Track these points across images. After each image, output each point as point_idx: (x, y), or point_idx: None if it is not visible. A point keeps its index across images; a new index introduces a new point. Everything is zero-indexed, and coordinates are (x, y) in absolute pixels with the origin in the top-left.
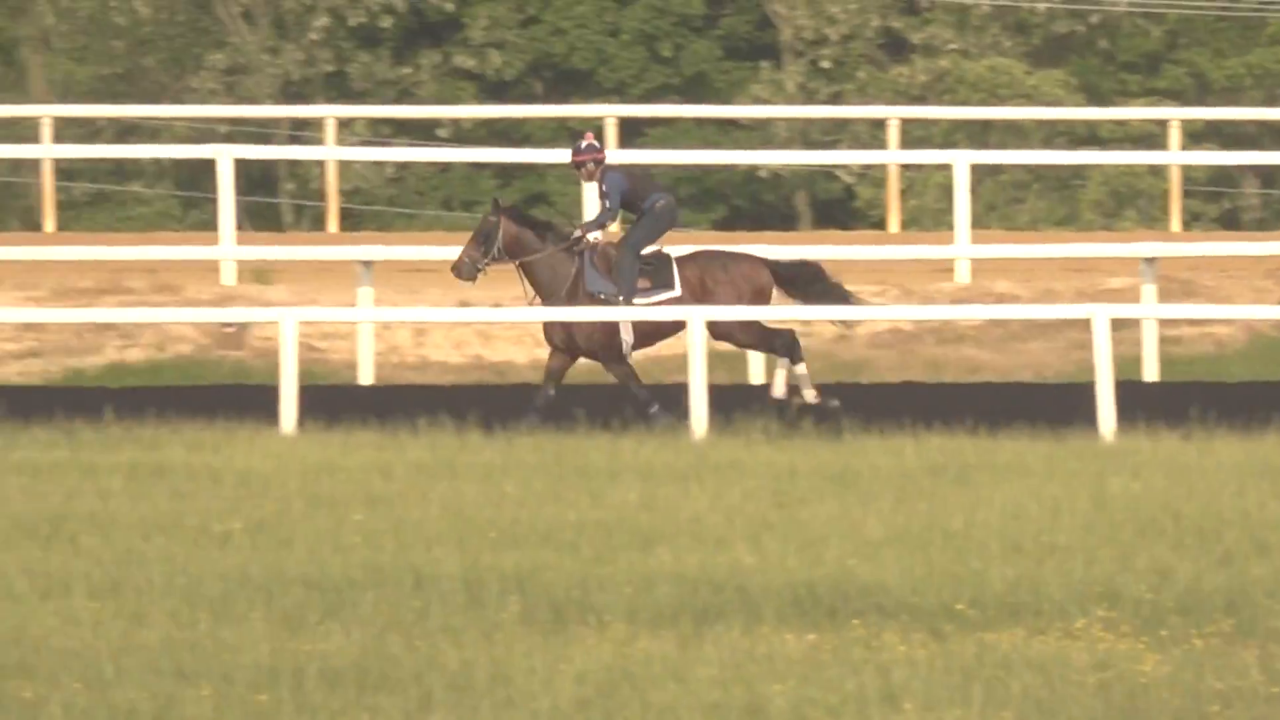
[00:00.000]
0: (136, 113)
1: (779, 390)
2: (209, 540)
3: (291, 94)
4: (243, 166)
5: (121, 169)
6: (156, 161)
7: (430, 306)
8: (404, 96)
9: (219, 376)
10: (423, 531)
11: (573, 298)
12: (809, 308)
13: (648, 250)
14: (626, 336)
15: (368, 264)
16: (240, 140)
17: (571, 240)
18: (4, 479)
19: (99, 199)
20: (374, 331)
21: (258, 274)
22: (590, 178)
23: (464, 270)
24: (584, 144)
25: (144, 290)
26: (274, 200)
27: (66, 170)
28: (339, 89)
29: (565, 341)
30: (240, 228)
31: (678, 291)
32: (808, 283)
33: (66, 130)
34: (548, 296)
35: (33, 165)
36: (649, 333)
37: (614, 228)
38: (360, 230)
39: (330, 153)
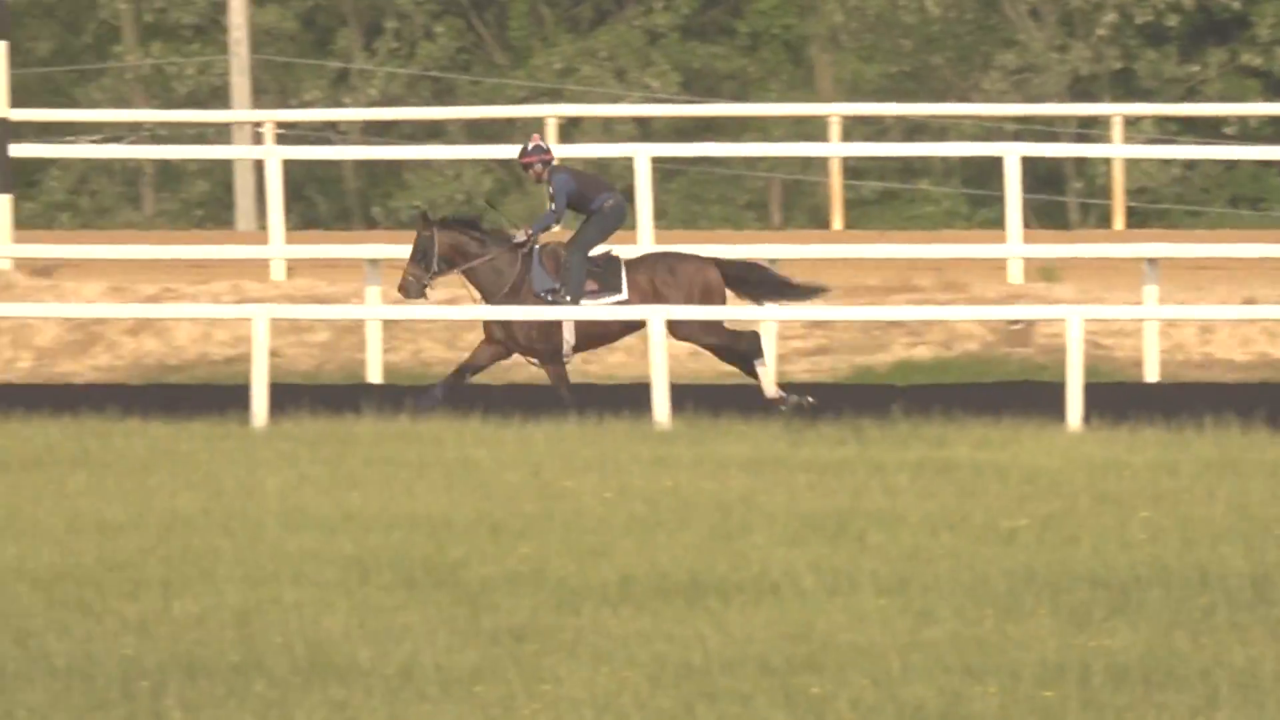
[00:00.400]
0: (924, 111)
1: (771, 391)
2: (995, 537)
3: (1078, 92)
4: (1030, 164)
5: (909, 167)
6: (944, 160)
7: (1215, 304)
8: (1191, 94)
9: (1005, 374)
10: (1208, 529)
11: (515, 297)
12: (763, 308)
13: (597, 251)
14: (569, 337)
15: (1153, 261)
16: (1028, 138)
17: (515, 243)
18: (793, 476)
19: (886, 197)
20: (1159, 329)
21: (1044, 272)
22: (539, 179)
23: (410, 289)
24: (531, 145)
25: (931, 288)
26: (1061, 198)
27: (854, 169)
28: (1125, 86)
29: (506, 337)
30: (1027, 225)
31: (624, 295)
32: (757, 282)
33: (855, 129)
34: (490, 298)
35: (821, 164)
36: (594, 335)
37: (557, 228)
38: (1146, 228)
39: (1117, 150)
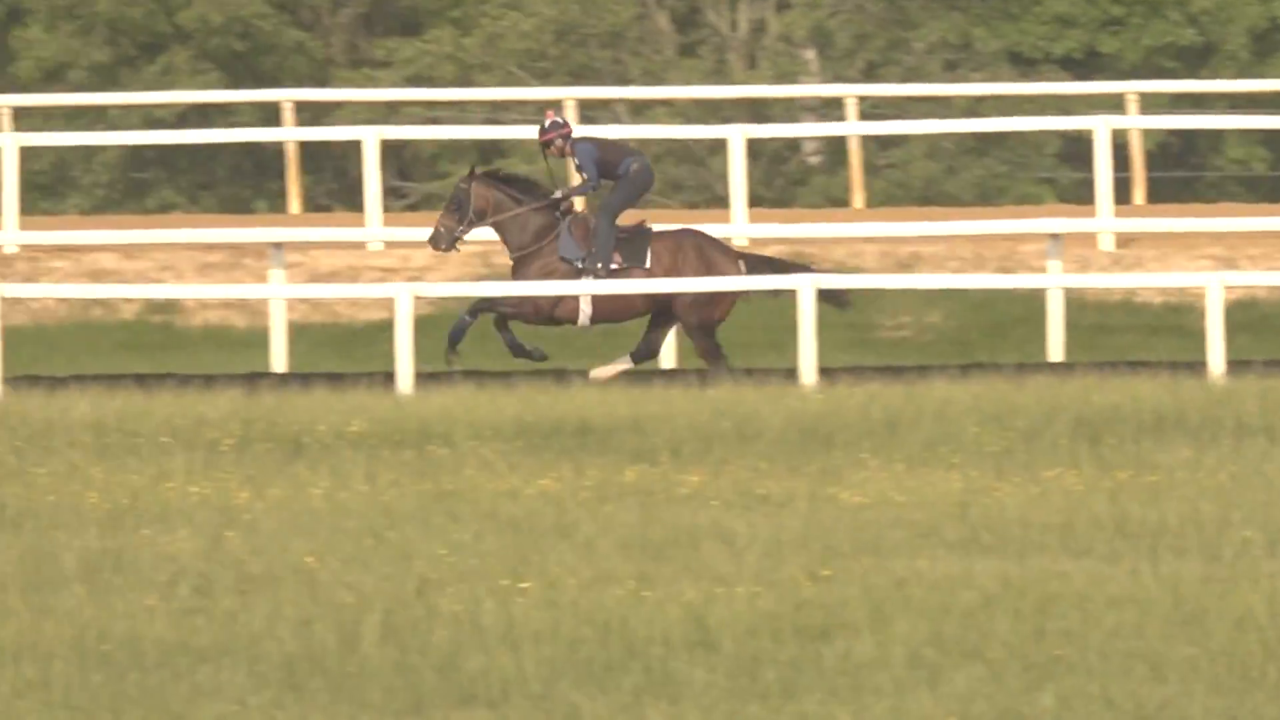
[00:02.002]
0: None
1: (604, 373)
2: None
3: None
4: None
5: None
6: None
7: None
8: None
9: None
10: None
11: (538, 258)
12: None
13: (629, 223)
14: (585, 307)
15: None
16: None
17: (550, 200)
18: None
19: None
20: None
21: None
22: (561, 153)
23: (440, 240)
24: (548, 122)
25: None
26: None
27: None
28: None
29: (521, 312)
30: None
31: (647, 265)
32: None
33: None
34: (516, 252)
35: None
36: (614, 308)
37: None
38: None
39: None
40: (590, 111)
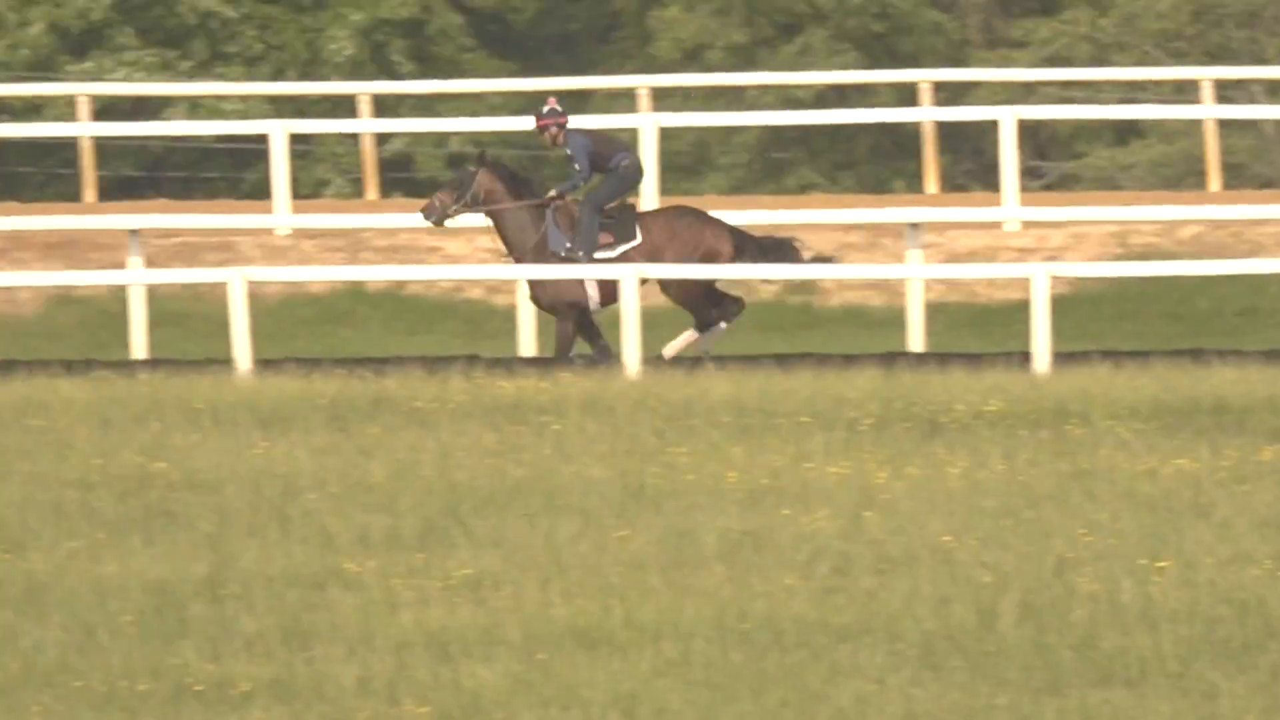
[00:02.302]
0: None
1: (673, 349)
2: None
3: None
4: None
5: None
6: None
7: None
8: None
9: None
10: None
11: (539, 255)
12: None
13: (610, 206)
14: (592, 293)
15: None
16: None
17: (541, 200)
18: None
19: None
20: None
21: None
22: (555, 142)
23: (433, 212)
24: (546, 109)
25: None
26: None
27: None
28: None
29: (534, 299)
30: None
31: (639, 241)
32: (778, 256)
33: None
34: (514, 252)
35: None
36: (616, 290)
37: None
38: None
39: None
40: (1227, 91)
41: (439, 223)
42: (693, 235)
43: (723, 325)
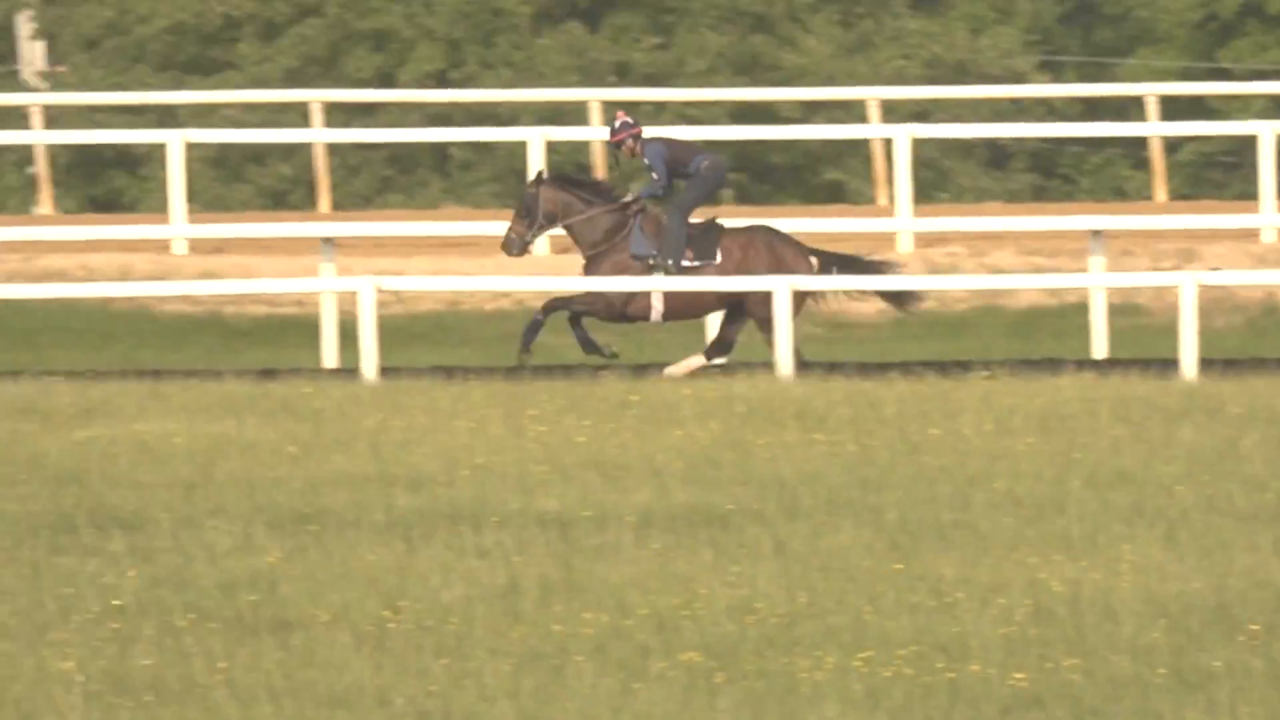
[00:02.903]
0: None
1: (678, 370)
2: None
3: None
4: None
5: None
6: None
7: None
8: None
9: None
10: None
11: (610, 256)
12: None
13: (699, 219)
14: (657, 305)
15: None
16: None
17: (621, 203)
18: None
19: None
20: None
21: None
22: (632, 154)
23: (512, 246)
24: (618, 123)
25: None
26: None
27: None
28: None
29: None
30: None
31: (719, 261)
32: (853, 271)
33: None
34: (589, 250)
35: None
36: (687, 303)
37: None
38: None
39: None
40: None
41: (521, 253)
42: (772, 257)
43: (717, 361)
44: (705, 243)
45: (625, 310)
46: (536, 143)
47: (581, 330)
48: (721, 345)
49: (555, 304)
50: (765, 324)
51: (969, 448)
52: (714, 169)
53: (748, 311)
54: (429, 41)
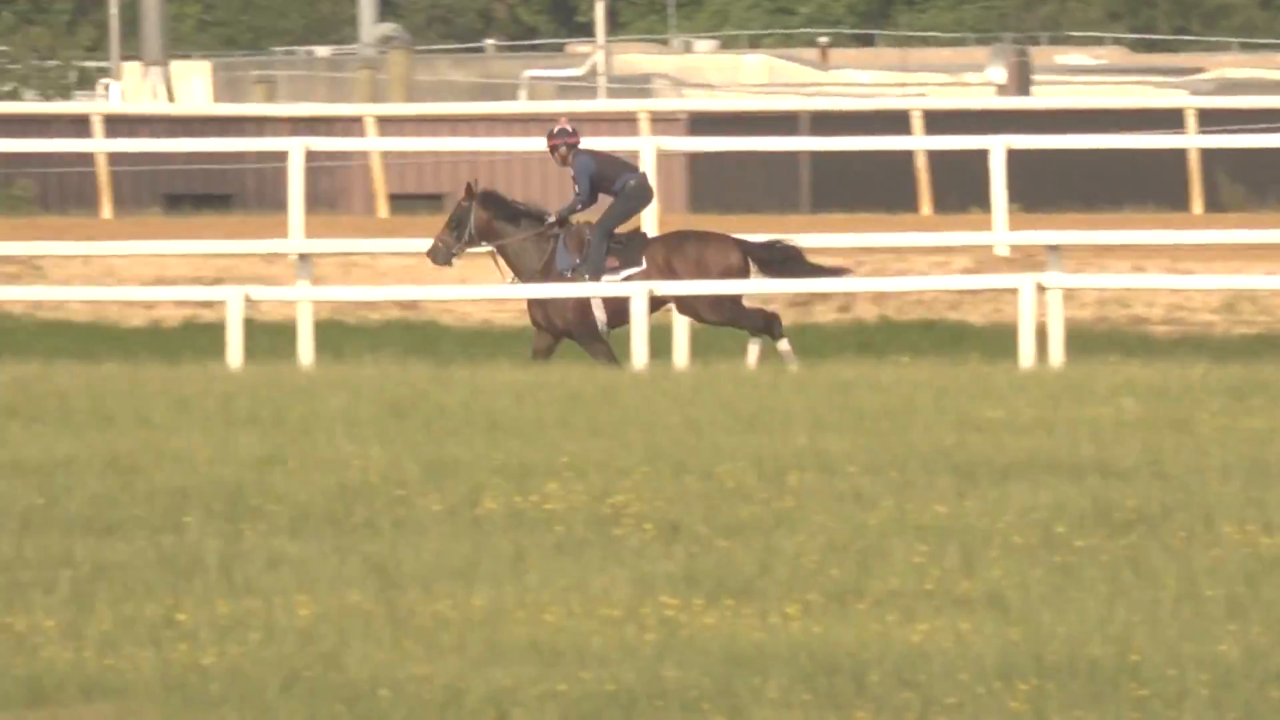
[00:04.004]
0: None
1: (751, 362)
2: None
3: None
4: None
5: None
6: None
7: None
8: None
9: None
10: None
11: (544, 277)
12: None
13: (623, 229)
14: (599, 314)
15: None
16: None
17: (546, 225)
18: None
19: None
20: None
21: None
22: (564, 162)
23: (438, 255)
24: (556, 129)
25: None
26: None
27: None
28: None
29: (545, 321)
30: None
31: (643, 268)
32: (784, 263)
33: None
34: (521, 276)
35: None
36: (623, 311)
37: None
38: None
39: None
40: None
41: (446, 263)
42: (698, 254)
43: (784, 343)
44: (630, 251)
45: (572, 326)
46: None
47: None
48: (758, 323)
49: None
50: (737, 321)
51: None
52: (639, 188)
53: (688, 312)
54: None
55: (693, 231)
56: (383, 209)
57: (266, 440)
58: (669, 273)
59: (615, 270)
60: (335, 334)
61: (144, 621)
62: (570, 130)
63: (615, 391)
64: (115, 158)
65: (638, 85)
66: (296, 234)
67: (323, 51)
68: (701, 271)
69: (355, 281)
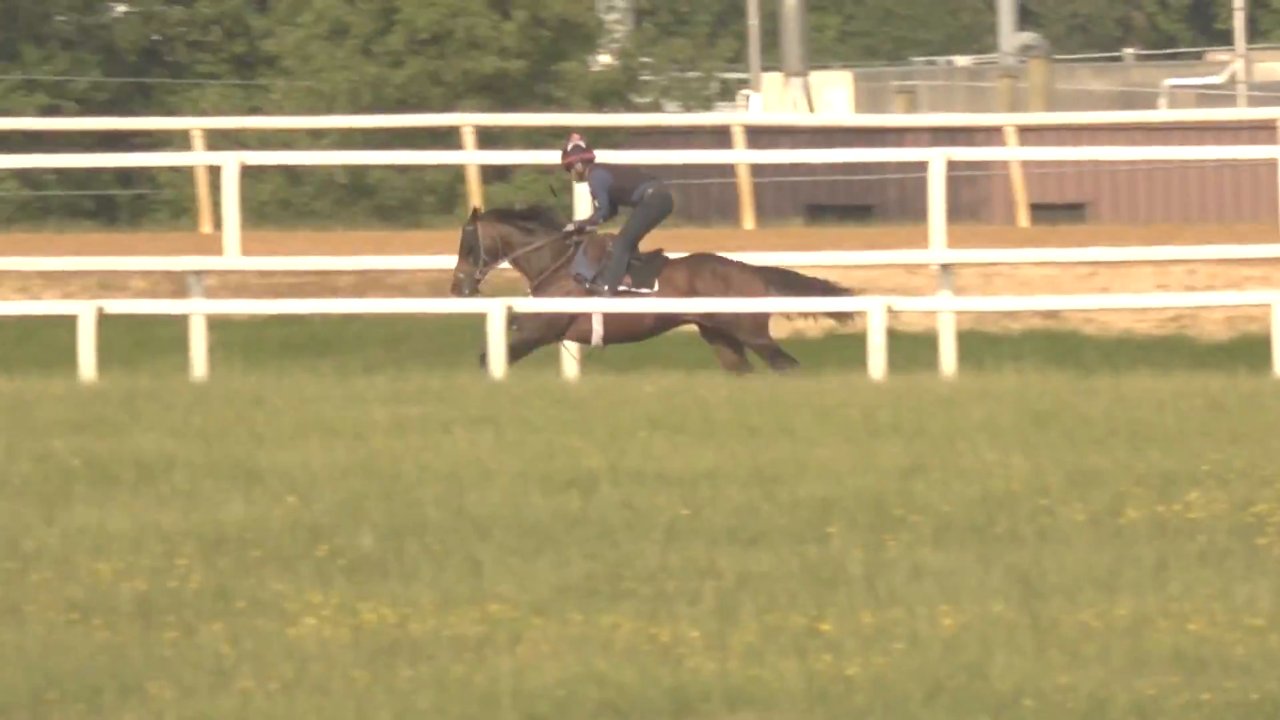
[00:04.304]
0: None
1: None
2: None
3: None
4: None
5: None
6: None
7: None
8: None
9: None
10: None
11: (554, 279)
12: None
13: (646, 247)
14: (597, 328)
15: None
16: None
17: (564, 233)
18: None
19: None
20: None
21: None
22: (580, 178)
23: (461, 287)
24: (570, 145)
25: None
26: None
27: None
28: None
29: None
30: None
31: (655, 290)
32: (802, 290)
33: None
34: (535, 279)
35: None
36: (624, 328)
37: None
38: None
39: None
40: None
41: (473, 292)
42: (718, 284)
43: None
44: (645, 272)
45: (566, 333)
46: None
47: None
48: (737, 369)
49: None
50: (763, 349)
51: None
52: (658, 196)
53: (743, 342)
54: None
55: (716, 257)
56: (1023, 218)
57: (909, 450)
58: (690, 296)
59: (628, 288)
60: (976, 344)
61: (788, 632)
62: (584, 146)
63: (1258, 399)
64: (757, 169)
65: (1278, 93)
66: (938, 244)
67: (963, 61)
68: (729, 293)
69: (996, 291)
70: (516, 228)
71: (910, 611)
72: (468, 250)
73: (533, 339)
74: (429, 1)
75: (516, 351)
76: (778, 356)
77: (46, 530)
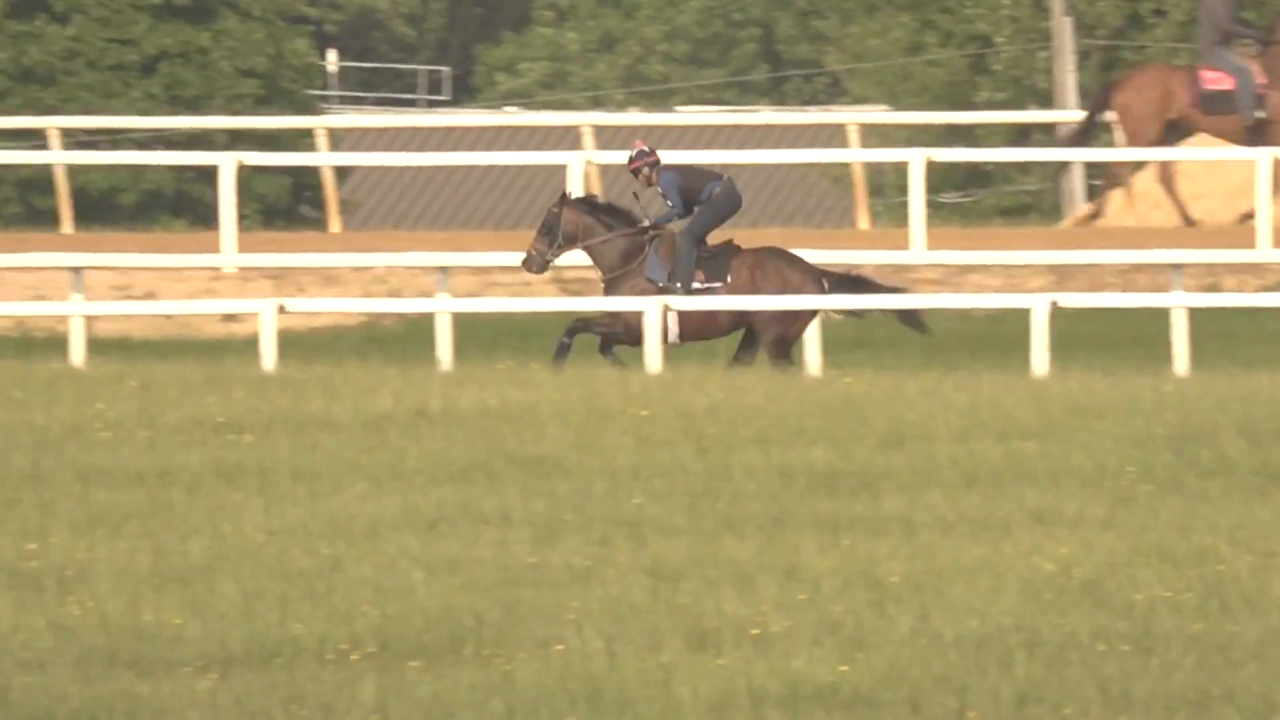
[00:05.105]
0: None
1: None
2: None
3: None
4: None
5: None
6: None
7: None
8: None
9: None
10: None
11: (627, 279)
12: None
13: (715, 240)
14: (673, 326)
15: None
16: None
17: (639, 229)
18: None
19: None
20: None
21: None
22: (649, 182)
23: (533, 264)
24: (635, 151)
25: None
26: None
27: None
28: None
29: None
30: None
31: (728, 282)
32: (868, 292)
33: None
34: (607, 274)
35: None
36: (701, 326)
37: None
38: None
39: None
40: None
41: (541, 270)
42: (779, 278)
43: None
44: (716, 265)
45: (643, 333)
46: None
47: (613, 355)
48: (740, 362)
49: (578, 327)
50: (770, 345)
51: None
52: (725, 194)
53: (754, 331)
54: None
55: (781, 252)
56: None
57: None
58: (752, 289)
59: (701, 283)
60: None
61: None
62: (648, 150)
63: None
64: None
65: None
66: None
67: None
68: (785, 291)
69: None
70: (599, 220)
71: None
72: (546, 230)
73: (616, 336)
74: None
75: (604, 345)
76: (782, 357)
77: None
